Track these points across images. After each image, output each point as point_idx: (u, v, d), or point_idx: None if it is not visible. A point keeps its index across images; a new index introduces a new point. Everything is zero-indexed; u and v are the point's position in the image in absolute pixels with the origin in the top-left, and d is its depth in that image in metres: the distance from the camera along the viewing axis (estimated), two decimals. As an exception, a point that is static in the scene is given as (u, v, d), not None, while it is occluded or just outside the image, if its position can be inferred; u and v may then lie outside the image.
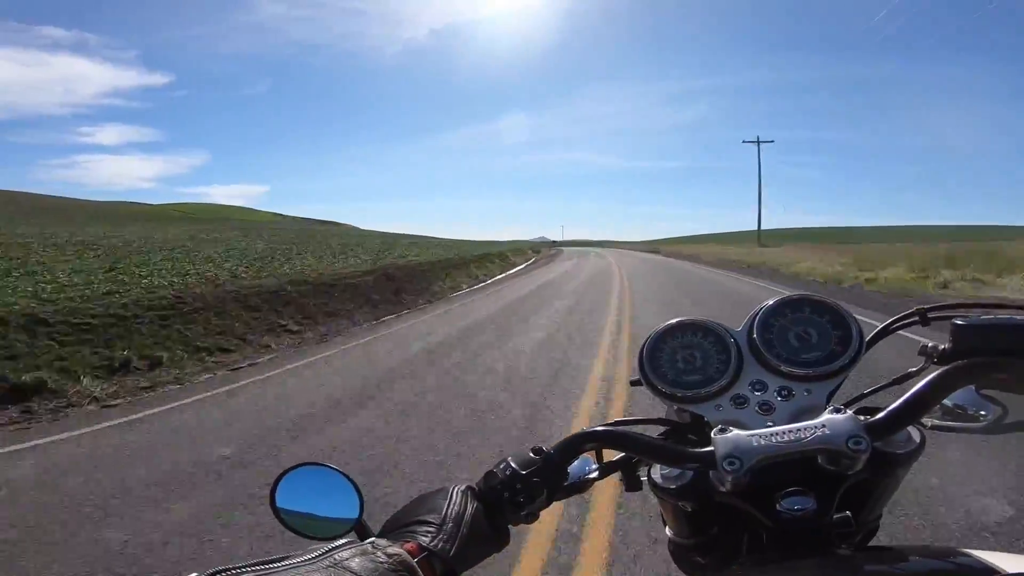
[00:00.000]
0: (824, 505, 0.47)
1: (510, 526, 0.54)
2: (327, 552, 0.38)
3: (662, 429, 0.67)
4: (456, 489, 0.52)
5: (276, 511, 0.54)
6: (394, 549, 0.40)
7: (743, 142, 42.64)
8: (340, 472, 0.54)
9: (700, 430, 0.61)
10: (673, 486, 0.55)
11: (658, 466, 0.57)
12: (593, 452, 0.62)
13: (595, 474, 0.61)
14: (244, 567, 0.34)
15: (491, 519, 0.52)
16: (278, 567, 0.36)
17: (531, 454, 0.55)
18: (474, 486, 0.54)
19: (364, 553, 0.39)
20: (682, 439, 0.63)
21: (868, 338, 0.62)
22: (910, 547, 0.48)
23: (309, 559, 0.37)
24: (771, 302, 0.64)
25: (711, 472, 0.49)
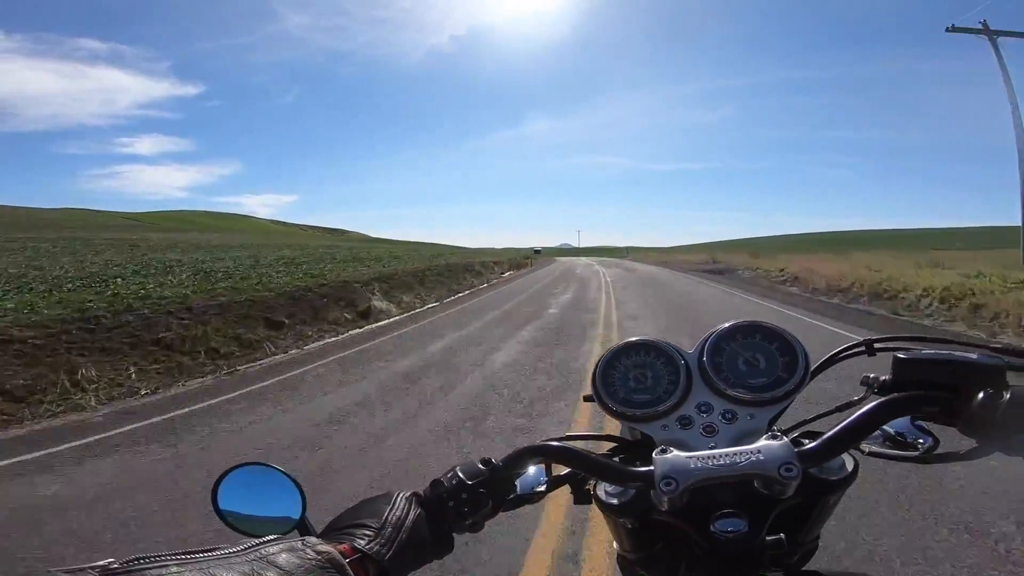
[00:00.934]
0: (756, 527, 0.49)
1: (455, 534, 0.55)
2: (255, 546, 0.38)
3: (613, 444, 0.69)
4: (401, 495, 0.52)
5: (218, 511, 0.53)
6: (325, 548, 0.40)
7: (948, 30, 16.76)
8: (282, 472, 0.55)
9: (648, 448, 0.62)
10: (616, 502, 0.57)
11: (604, 482, 0.58)
12: (544, 465, 0.63)
13: (544, 487, 0.62)
14: (165, 555, 0.34)
15: (434, 526, 0.52)
16: (201, 558, 0.35)
17: (479, 465, 0.56)
18: (420, 493, 0.55)
19: (292, 550, 0.39)
20: (632, 456, 0.64)
21: (815, 367, 0.64)
22: (835, 573, 0.49)
23: (235, 551, 0.37)
24: (725, 326, 0.66)
25: (652, 491, 0.50)
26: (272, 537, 0.40)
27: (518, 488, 0.62)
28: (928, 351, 0.59)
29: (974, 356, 0.56)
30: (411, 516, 0.50)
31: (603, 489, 0.58)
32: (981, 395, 0.50)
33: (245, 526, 0.53)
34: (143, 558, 0.33)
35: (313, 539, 0.42)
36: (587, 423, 3.94)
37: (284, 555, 0.38)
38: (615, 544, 0.64)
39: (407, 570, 0.48)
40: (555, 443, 0.59)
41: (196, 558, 0.35)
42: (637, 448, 0.65)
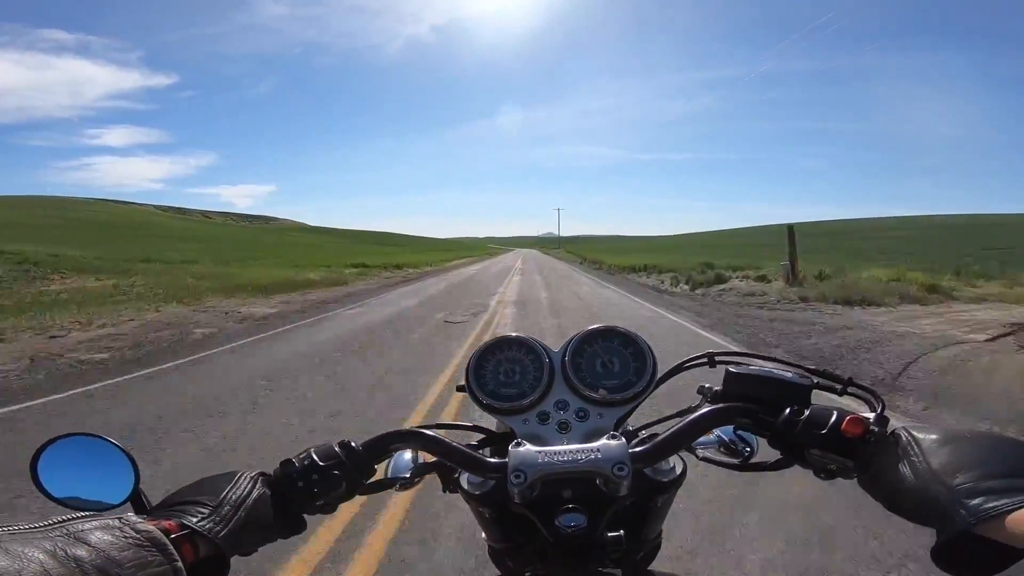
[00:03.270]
0: (595, 523, 0.52)
1: (306, 515, 0.54)
2: (62, 522, 0.36)
3: (482, 435, 0.71)
4: (246, 474, 0.51)
5: (39, 485, 0.49)
6: (145, 526, 0.38)
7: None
8: (113, 443, 0.51)
9: (511, 441, 0.65)
10: (477, 492, 0.59)
11: (465, 472, 0.60)
12: (414, 451, 0.64)
13: (410, 473, 0.63)
14: None
15: (281, 506, 0.52)
16: None
17: (335, 447, 0.56)
18: (268, 473, 0.54)
19: (107, 528, 0.37)
20: (500, 448, 0.67)
21: (663, 374, 0.69)
22: (664, 574, 0.54)
23: (39, 527, 0.35)
24: (588, 329, 0.70)
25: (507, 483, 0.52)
26: (85, 513, 0.38)
27: (389, 472, 0.63)
28: (755, 367, 0.64)
29: (789, 375, 0.61)
30: (254, 495, 0.49)
31: (466, 479, 0.60)
32: (787, 411, 0.55)
33: (74, 502, 0.49)
34: None
35: (134, 518, 0.40)
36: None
37: (97, 533, 0.36)
38: (483, 534, 0.66)
39: (246, 549, 0.47)
40: (421, 430, 0.60)
41: None
42: (503, 440, 0.68)
